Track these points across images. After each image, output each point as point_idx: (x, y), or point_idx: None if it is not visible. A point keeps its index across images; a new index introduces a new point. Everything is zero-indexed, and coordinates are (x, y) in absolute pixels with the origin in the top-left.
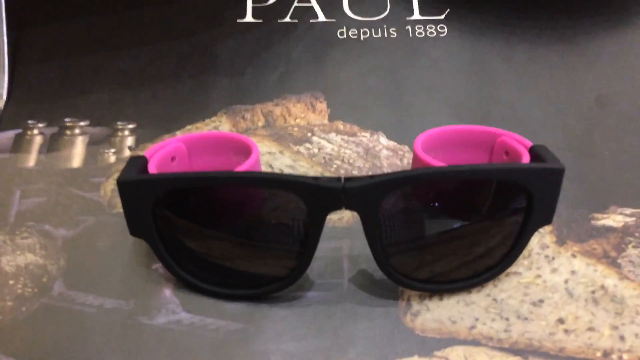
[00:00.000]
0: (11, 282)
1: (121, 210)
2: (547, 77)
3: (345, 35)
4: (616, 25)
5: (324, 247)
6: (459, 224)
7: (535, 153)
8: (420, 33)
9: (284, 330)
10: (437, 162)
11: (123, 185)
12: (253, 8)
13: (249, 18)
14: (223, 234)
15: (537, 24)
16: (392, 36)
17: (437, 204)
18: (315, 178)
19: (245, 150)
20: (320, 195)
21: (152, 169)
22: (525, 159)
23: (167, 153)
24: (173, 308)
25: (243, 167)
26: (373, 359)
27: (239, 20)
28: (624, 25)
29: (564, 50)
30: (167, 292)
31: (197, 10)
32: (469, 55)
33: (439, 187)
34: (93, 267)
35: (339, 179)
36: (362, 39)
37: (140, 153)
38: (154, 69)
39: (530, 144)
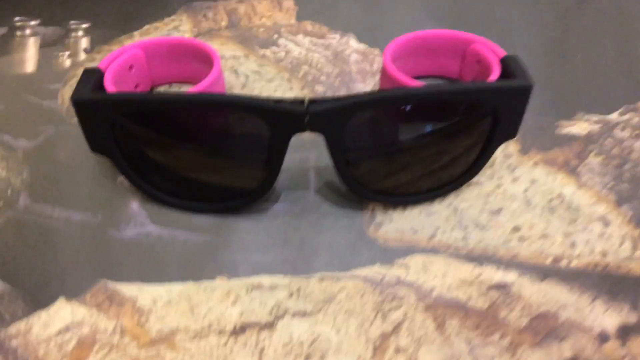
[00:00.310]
0: None
1: None
2: None
3: None
4: None
5: (290, 158)
6: (423, 141)
7: (506, 64)
8: None
9: (251, 242)
10: (405, 78)
11: (78, 104)
12: None
13: None
14: (186, 153)
15: None
16: None
17: (401, 124)
18: (278, 100)
19: (206, 58)
20: (283, 118)
21: (109, 81)
22: (496, 69)
23: (124, 62)
24: (141, 220)
25: (205, 82)
26: (336, 269)
27: None
28: None
29: None
30: (135, 204)
31: None
32: None
33: (404, 108)
34: (57, 179)
35: (302, 101)
36: None
37: (97, 58)
38: None
39: (503, 53)
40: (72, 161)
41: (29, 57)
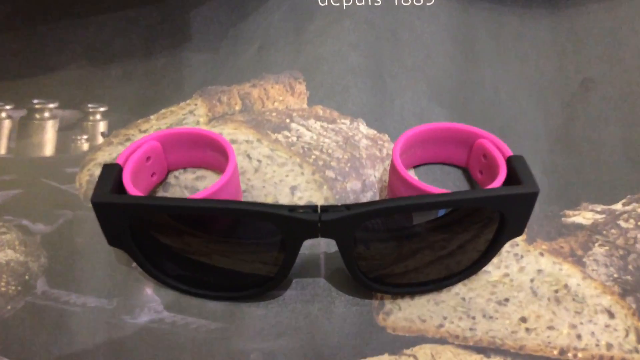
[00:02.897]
0: None
1: None
2: (534, 57)
3: (326, 3)
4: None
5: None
6: (432, 242)
7: (512, 165)
8: (406, 1)
9: (262, 329)
10: (413, 179)
11: (98, 206)
12: None
13: None
14: (202, 250)
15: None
16: (376, 4)
17: (411, 228)
18: (292, 208)
19: (221, 148)
20: (296, 226)
21: (127, 176)
22: (502, 169)
23: (142, 154)
24: (155, 307)
25: (220, 183)
26: (346, 357)
27: None
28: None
29: (554, 24)
30: (149, 290)
31: None
32: (455, 30)
33: (416, 218)
34: (74, 264)
35: (315, 208)
36: (344, 7)
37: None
38: (122, 41)
39: (508, 152)
40: (89, 246)
41: (47, 140)
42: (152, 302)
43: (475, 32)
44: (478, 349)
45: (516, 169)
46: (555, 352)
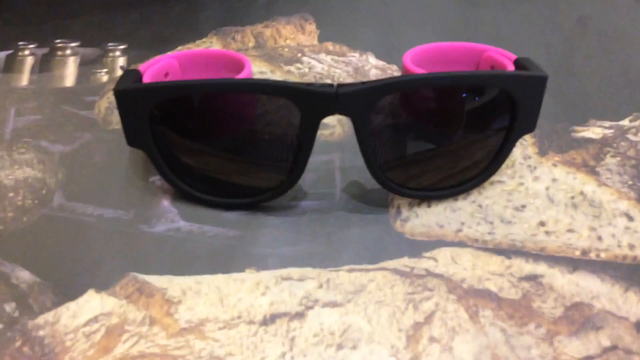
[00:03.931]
0: (11, 194)
1: (116, 126)
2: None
3: None
4: None
5: (316, 160)
6: (446, 132)
7: (520, 64)
8: None
9: (279, 236)
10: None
11: (120, 94)
12: None
13: None
14: (219, 144)
15: None
16: None
17: (426, 112)
18: (309, 84)
19: (237, 66)
20: (313, 100)
21: (147, 81)
22: (511, 70)
23: (160, 68)
24: (172, 217)
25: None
26: (365, 261)
27: None
28: None
29: None
30: (166, 202)
31: None
32: None
33: (428, 94)
34: (91, 180)
35: (331, 85)
36: None
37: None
38: None
39: (514, 57)
40: (107, 163)
41: (68, 73)
42: (169, 213)
43: None
44: (498, 251)
45: (525, 65)
46: (577, 253)
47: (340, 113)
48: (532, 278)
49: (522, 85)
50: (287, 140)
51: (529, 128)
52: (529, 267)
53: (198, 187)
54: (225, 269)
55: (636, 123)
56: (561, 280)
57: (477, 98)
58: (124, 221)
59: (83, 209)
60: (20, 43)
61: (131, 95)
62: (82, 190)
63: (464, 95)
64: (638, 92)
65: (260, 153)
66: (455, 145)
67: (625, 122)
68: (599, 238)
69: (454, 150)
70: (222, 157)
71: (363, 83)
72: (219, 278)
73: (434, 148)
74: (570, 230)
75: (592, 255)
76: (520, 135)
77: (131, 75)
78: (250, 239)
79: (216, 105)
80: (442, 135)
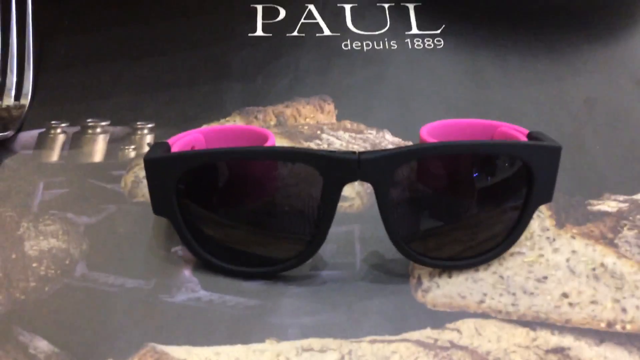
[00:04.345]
0: (34, 264)
1: (141, 199)
2: (538, 82)
3: (349, 47)
4: (599, 38)
5: (335, 231)
6: (466, 202)
7: (534, 137)
8: (418, 45)
9: (300, 305)
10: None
11: (149, 163)
12: (263, 24)
13: (259, 32)
14: (241, 213)
15: (526, 37)
16: (392, 48)
17: (445, 181)
18: (331, 151)
19: (262, 140)
20: (336, 166)
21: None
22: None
23: (187, 141)
24: (192, 287)
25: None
26: (387, 332)
27: (250, 34)
28: (606, 38)
29: (552, 59)
30: (187, 272)
31: (210, 25)
32: (465, 65)
33: (447, 163)
34: (114, 250)
35: (354, 152)
36: (364, 50)
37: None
38: (170, 76)
39: (527, 131)
40: (130, 234)
41: (98, 150)
42: (190, 283)
43: (483, 65)
44: (523, 323)
45: (538, 138)
46: (603, 325)
47: (362, 179)
48: (559, 351)
49: (538, 154)
50: (309, 208)
51: (546, 198)
52: (555, 339)
53: (219, 256)
54: (245, 339)
55: None
56: (589, 352)
57: (495, 168)
58: (144, 291)
59: (105, 279)
60: (53, 122)
61: (160, 163)
62: (104, 260)
63: (482, 164)
64: None
65: (282, 222)
66: (474, 215)
67: (639, 197)
68: (624, 310)
69: (473, 220)
70: (244, 225)
71: (385, 150)
72: (239, 349)
73: (453, 217)
74: (593, 302)
75: (618, 327)
76: (537, 205)
77: (160, 146)
78: (270, 308)
79: (240, 174)
80: (461, 204)
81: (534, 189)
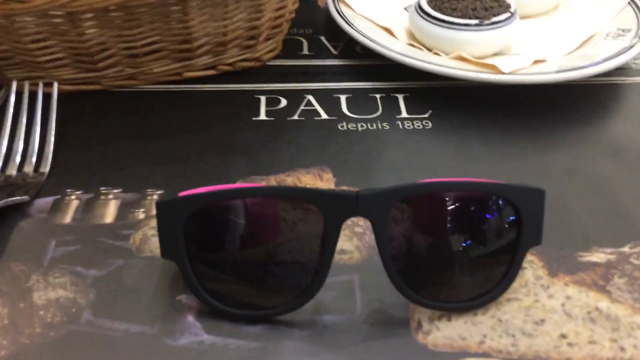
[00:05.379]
0: (41, 312)
1: (148, 254)
2: (519, 157)
3: (345, 128)
4: (574, 120)
5: (335, 280)
6: (460, 241)
7: None
8: (409, 126)
9: (301, 347)
10: None
11: (160, 206)
12: (266, 110)
13: (262, 117)
14: (245, 254)
15: (506, 119)
16: (385, 128)
17: (440, 221)
18: (332, 189)
19: None
20: (335, 202)
21: None
22: None
23: (196, 191)
24: (196, 331)
25: None
26: None
27: (254, 118)
28: (581, 120)
29: (530, 138)
30: (190, 317)
31: (217, 111)
32: (452, 141)
33: (442, 202)
34: (121, 299)
35: (352, 190)
36: (359, 130)
37: None
38: (180, 152)
39: None
40: (136, 285)
41: (109, 213)
42: (193, 327)
43: (468, 142)
44: None
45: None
46: None
47: (361, 215)
48: None
49: (524, 196)
50: (310, 248)
51: (536, 240)
52: None
53: (223, 300)
54: None
55: (636, 249)
56: None
57: (486, 209)
58: (148, 335)
59: (110, 324)
60: (68, 190)
61: (170, 205)
62: (110, 308)
63: (474, 205)
64: (631, 225)
65: (284, 262)
66: (469, 256)
67: (626, 249)
68: (622, 349)
69: (468, 260)
70: (247, 267)
71: (382, 187)
72: None
73: (449, 258)
74: (592, 342)
75: None
76: (528, 246)
77: (171, 196)
78: (272, 350)
79: (244, 215)
80: (456, 245)
81: (523, 229)
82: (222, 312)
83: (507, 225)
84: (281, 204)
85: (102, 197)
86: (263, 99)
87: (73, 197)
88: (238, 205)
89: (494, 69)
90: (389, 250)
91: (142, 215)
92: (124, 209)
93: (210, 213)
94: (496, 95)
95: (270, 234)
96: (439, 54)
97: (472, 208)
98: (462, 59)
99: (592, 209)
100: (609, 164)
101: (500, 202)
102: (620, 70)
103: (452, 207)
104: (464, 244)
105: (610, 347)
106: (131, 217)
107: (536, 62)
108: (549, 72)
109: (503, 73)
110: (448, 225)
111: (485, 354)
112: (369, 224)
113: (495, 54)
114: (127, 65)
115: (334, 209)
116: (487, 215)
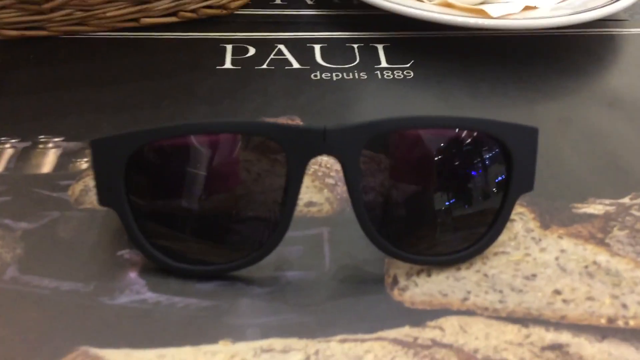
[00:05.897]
0: None
1: (88, 206)
2: (510, 105)
3: (318, 77)
4: (567, 71)
5: (302, 234)
6: (442, 185)
7: None
8: (388, 76)
9: (260, 305)
10: None
11: (96, 144)
12: (232, 59)
13: (228, 65)
14: (196, 200)
15: (495, 68)
16: (362, 78)
17: (419, 161)
18: (295, 124)
19: None
20: (300, 139)
21: None
22: None
23: None
24: (138, 289)
25: None
26: (360, 331)
27: (218, 67)
28: (574, 71)
29: (521, 87)
30: (132, 274)
31: (177, 59)
32: (436, 90)
33: (421, 141)
34: (53, 254)
35: (320, 125)
36: (334, 79)
37: None
38: (133, 100)
39: None
40: (72, 239)
41: (47, 162)
42: (135, 285)
43: (454, 92)
44: (513, 320)
45: None
46: (603, 321)
47: (328, 153)
48: (557, 347)
49: (515, 134)
50: (272, 191)
51: (527, 186)
52: (550, 335)
53: (170, 253)
54: (195, 341)
55: (638, 200)
56: (590, 349)
57: (472, 149)
58: (82, 293)
59: (38, 282)
60: (2, 138)
61: (107, 143)
62: (40, 264)
63: (458, 145)
64: (631, 177)
65: (242, 208)
66: (452, 203)
67: (626, 200)
68: (624, 306)
69: (451, 208)
70: (198, 217)
71: (353, 122)
72: (186, 351)
73: (429, 204)
74: (590, 298)
75: (620, 323)
76: (519, 192)
77: None
78: (226, 309)
79: (195, 156)
80: (437, 190)
81: (514, 173)
82: (169, 267)
83: (495, 168)
84: (238, 142)
85: (41, 145)
86: (229, 47)
87: (7, 145)
88: (188, 145)
89: (482, 13)
90: (361, 195)
91: (84, 165)
92: (65, 159)
93: (154, 153)
94: (484, 44)
95: (225, 177)
96: (423, 1)
97: (456, 148)
98: (448, 5)
99: (588, 159)
100: (605, 114)
101: (489, 141)
102: (616, 22)
103: (433, 146)
104: (447, 190)
105: (611, 303)
106: (72, 167)
107: (527, 8)
108: (541, 17)
109: (492, 17)
110: (429, 167)
111: (469, 311)
112: (341, 174)
113: (483, 2)
114: (77, 7)
115: (298, 146)
116: (474, 156)
